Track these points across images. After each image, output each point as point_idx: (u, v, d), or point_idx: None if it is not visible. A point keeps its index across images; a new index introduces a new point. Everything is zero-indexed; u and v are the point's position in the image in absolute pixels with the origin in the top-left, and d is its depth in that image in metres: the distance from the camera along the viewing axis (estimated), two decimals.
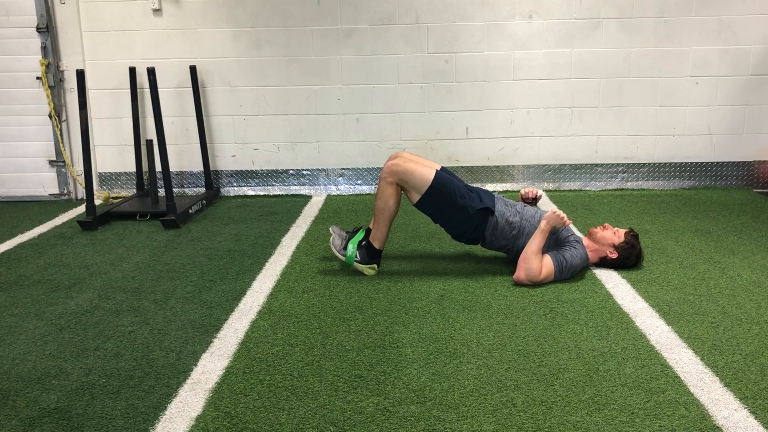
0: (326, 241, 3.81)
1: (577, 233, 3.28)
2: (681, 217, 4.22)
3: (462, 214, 3.15)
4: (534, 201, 3.41)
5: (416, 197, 3.15)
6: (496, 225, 3.16)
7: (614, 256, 3.18)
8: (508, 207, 3.21)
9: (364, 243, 3.23)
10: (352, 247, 3.22)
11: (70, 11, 4.83)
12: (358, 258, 3.21)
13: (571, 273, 3.10)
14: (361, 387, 2.18)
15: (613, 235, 3.21)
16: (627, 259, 3.20)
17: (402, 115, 4.97)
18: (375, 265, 3.24)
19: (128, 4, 4.82)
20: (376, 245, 3.22)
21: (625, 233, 3.21)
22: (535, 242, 3.05)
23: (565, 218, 3.09)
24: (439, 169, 3.23)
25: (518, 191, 4.96)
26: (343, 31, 4.84)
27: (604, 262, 3.23)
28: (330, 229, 3.34)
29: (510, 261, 3.37)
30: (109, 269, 3.44)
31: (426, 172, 3.13)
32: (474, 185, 5.06)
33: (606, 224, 3.28)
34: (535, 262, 3.02)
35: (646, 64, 4.81)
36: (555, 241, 3.17)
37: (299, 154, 5.08)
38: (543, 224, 3.07)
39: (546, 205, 4.58)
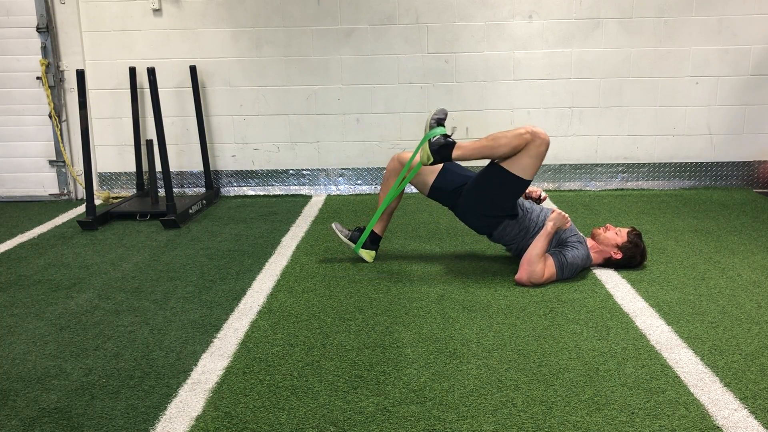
0: (327, 241, 3.81)
1: (580, 234, 3.28)
2: (681, 217, 4.22)
3: (497, 209, 3.14)
4: (538, 201, 3.41)
5: (503, 163, 3.03)
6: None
7: (618, 256, 3.18)
8: (519, 208, 3.21)
9: (450, 140, 3.08)
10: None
11: (70, 11, 4.83)
12: (439, 139, 3.06)
13: (572, 272, 3.10)
14: (361, 387, 2.18)
15: (615, 235, 3.21)
16: (631, 259, 3.20)
17: (402, 115, 4.97)
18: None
19: (128, 4, 4.82)
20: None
21: (628, 233, 3.20)
22: (539, 245, 3.04)
23: (568, 219, 3.11)
24: None
25: None
26: (343, 31, 4.84)
27: (609, 263, 3.23)
28: (331, 225, 3.47)
29: (513, 259, 3.38)
30: (109, 269, 3.44)
31: (534, 171, 3.06)
32: None
33: (608, 225, 3.28)
34: (539, 265, 3.02)
35: (646, 64, 4.81)
36: (557, 241, 3.17)
37: (299, 154, 5.08)
38: (549, 226, 3.07)
39: (546, 205, 4.58)
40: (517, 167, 3.01)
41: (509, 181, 3.05)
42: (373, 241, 3.42)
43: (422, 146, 3.08)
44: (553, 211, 3.12)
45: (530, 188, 3.44)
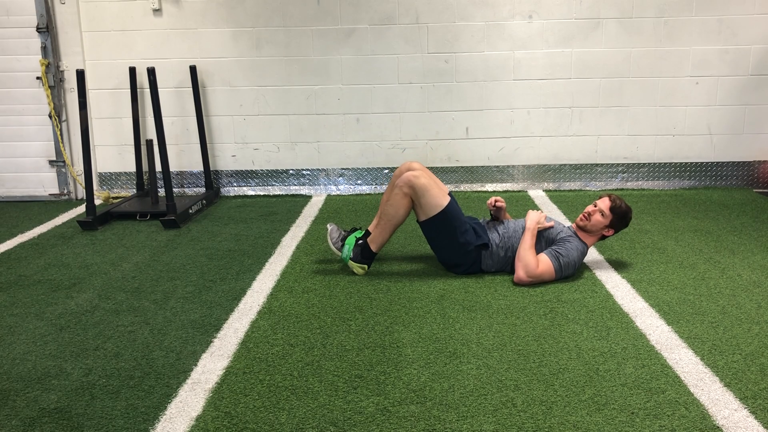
0: (326, 241, 3.80)
1: (567, 228, 3.25)
2: (681, 217, 4.22)
3: (460, 250, 3.17)
4: (497, 210, 3.35)
5: (422, 217, 3.17)
6: (491, 254, 3.20)
7: (611, 233, 3.19)
8: (494, 231, 3.24)
9: (361, 242, 3.25)
10: (348, 248, 3.26)
11: (70, 11, 4.83)
12: (352, 255, 3.24)
13: (573, 267, 3.10)
14: (361, 387, 2.18)
15: (600, 217, 3.13)
16: (624, 226, 3.21)
17: (402, 115, 4.97)
18: (366, 266, 3.26)
19: (128, 4, 4.82)
20: (373, 248, 3.24)
21: (610, 208, 3.12)
22: (525, 241, 3.10)
23: (543, 213, 3.19)
24: (449, 195, 3.20)
25: (519, 191, 4.97)
26: (343, 31, 4.84)
27: (604, 239, 3.27)
28: (327, 225, 3.42)
29: (510, 270, 3.37)
30: (109, 269, 3.44)
31: (441, 196, 3.14)
32: (474, 187, 5.08)
33: (585, 211, 3.18)
34: (529, 257, 3.04)
35: (646, 64, 4.80)
36: (547, 242, 3.18)
37: (299, 154, 5.07)
38: (527, 224, 3.15)
39: (546, 205, 4.59)
40: (429, 208, 3.12)
41: (438, 221, 3.13)
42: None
43: (348, 264, 3.26)
44: (527, 215, 3.19)
45: (489, 200, 3.35)
